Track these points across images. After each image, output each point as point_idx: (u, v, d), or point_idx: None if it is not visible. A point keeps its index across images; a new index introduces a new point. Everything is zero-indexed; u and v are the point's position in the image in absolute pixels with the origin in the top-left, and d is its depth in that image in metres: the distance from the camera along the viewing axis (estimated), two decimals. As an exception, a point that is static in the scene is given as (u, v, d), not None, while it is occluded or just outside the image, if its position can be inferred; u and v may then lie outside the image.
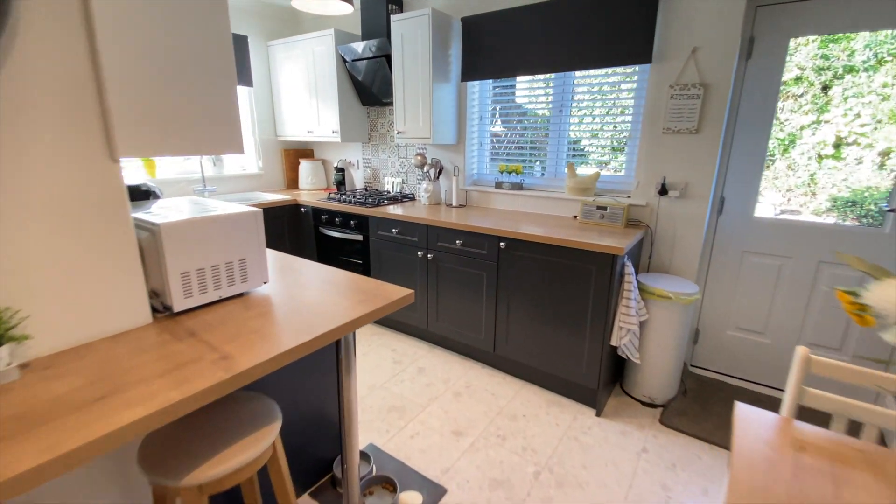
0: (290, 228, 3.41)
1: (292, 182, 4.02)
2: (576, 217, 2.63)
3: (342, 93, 3.29)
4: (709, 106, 2.15)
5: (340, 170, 3.58)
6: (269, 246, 3.24)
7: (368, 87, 3.27)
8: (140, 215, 1.20)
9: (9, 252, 0.90)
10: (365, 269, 3.06)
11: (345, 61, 3.22)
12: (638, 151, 2.40)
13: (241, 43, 3.42)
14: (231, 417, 1.13)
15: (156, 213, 1.24)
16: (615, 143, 2.56)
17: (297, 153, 4.02)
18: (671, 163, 2.30)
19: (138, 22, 1.01)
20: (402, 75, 2.87)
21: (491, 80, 2.92)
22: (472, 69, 2.85)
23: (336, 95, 3.27)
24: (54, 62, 0.91)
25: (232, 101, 1.20)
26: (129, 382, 0.87)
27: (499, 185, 2.95)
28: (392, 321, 3.10)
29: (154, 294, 1.20)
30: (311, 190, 3.88)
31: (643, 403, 2.31)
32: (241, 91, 3.59)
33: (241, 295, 1.34)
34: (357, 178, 3.85)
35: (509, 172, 2.91)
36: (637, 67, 2.36)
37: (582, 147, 2.69)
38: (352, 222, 3.04)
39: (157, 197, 1.61)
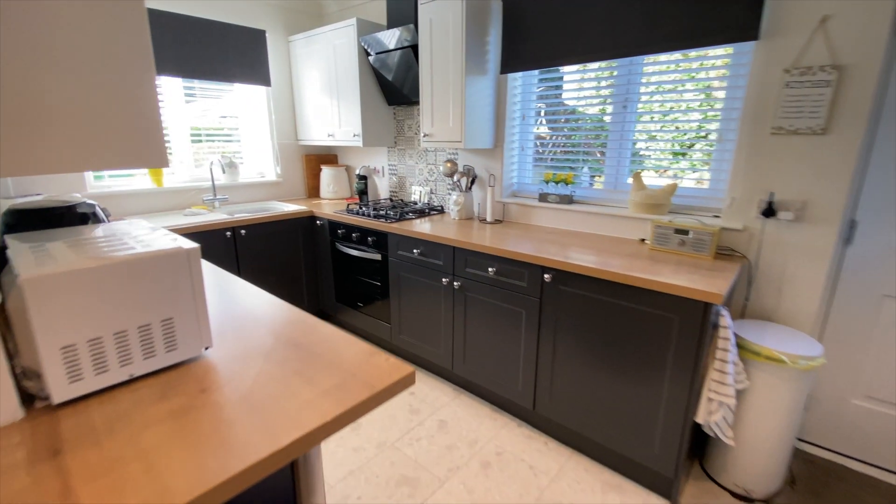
0: (306, 243, 3.05)
1: (314, 190, 3.69)
2: (644, 241, 2.08)
3: (364, 90, 2.90)
4: (844, 96, 1.55)
5: (363, 177, 3.20)
6: (282, 264, 2.90)
7: (394, 84, 2.86)
8: (20, 257, 0.82)
9: None
10: (384, 292, 2.64)
11: (368, 54, 2.83)
12: (733, 158, 1.82)
13: (257, 38, 3.11)
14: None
15: (41, 254, 0.85)
16: (695, 147, 1.98)
17: (320, 159, 3.69)
18: (783, 173, 1.71)
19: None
20: (429, 68, 2.43)
21: (537, 71, 2.42)
22: (515, 58, 2.36)
23: (357, 93, 2.89)
24: None
25: (146, 97, 0.80)
26: None
27: (543, 197, 2.44)
28: (410, 354, 2.66)
29: (31, 375, 0.81)
30: (332, 199, 3.52)
31: (735, 495, 1.73)
32: (259, 91, 3.29)
33: (170, 368, 0.93)
34: (382, 187, 3.45)
35: (557, 182, 2.40)
36: (733, 48, 1.79)
37: (645, 153, 2.13)
38: (369, 238, 2.63)
39: (97, 220, 1.25)
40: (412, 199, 3.19)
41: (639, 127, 2.12)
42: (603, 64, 2.16)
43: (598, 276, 1.65)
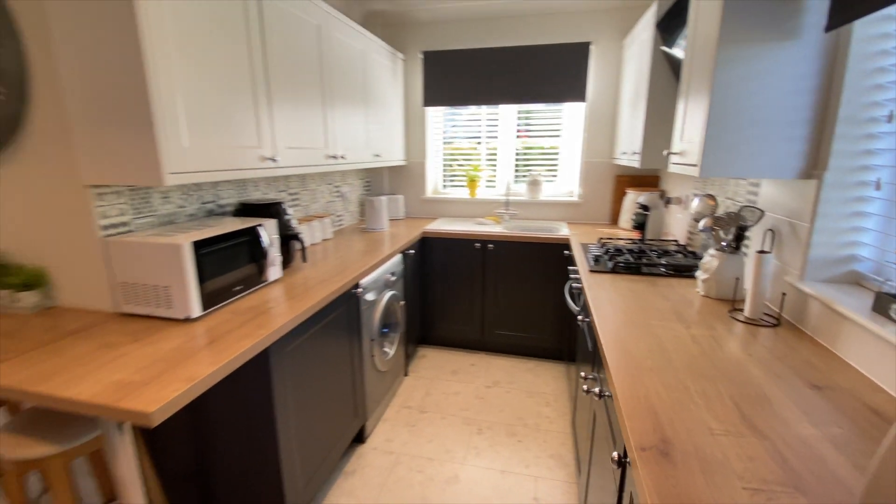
0: (547, 270, 2.74)
1: (618, 216, 3.16)
2: None
3: (654, 95, 2.16)
4: None
5: (645, 208, 2.44)
6: (520, 282, 2.80)
7: (691, 79, 1.95)
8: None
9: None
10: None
11: (666, 45, 2.07)
12: None
13: (580, 52, 2.95)
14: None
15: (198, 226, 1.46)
16: None
17: (633, 181, 3.08)
18: None
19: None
20: (692, 39, 1.52)
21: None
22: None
23: (644, 100, 2.20)
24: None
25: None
26: None
27: None
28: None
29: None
30: (624, 229, 2.90)
31: None
32: (580, 108, 3.13)
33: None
34: (674, 222, 2.47)
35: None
36: None
37: None
38: (575, 288, 2.05)
39: (280, 214, 1.84)
40: (683, 244, 2.11)
41: None
42: None
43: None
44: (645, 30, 2.25)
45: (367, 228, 2.90)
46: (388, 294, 2.25)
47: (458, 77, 3.14)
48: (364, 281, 1.96)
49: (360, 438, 2.10)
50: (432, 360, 2.94)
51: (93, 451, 1.44)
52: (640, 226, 2.47)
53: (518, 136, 3.29)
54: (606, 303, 1.48)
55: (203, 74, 1.35)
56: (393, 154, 3.11)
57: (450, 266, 2.91)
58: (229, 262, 1.48)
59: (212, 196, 1.83)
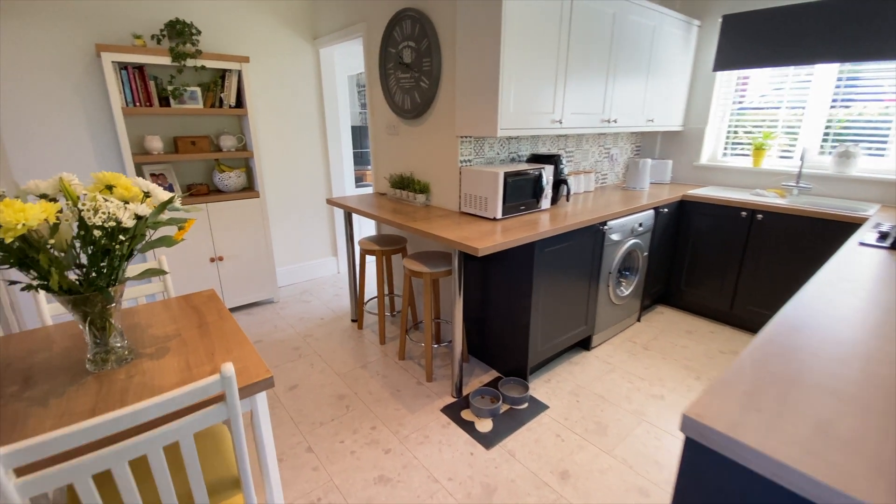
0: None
1: None
2: None
3: None
4: None
5: None
6: (804, 269, 2.58)
7: None
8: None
9: (425, 160, 2.55)
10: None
11: None
12: None
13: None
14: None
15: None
16: None
17: None
18: None
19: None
20: None
21: None
22: None
23: None
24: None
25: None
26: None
27: None
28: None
29: (468, 201, 2.44)
30: (984, 220, 2.19)
31: None
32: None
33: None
34: None
35: None
36: None
37: None
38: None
39: (556, 162, 2.51)
40: None
41: None
42: None
43: None
44: None
45: (627, 187, 3.26)
46: (632, 241, 2.64)
47: (761, 38, 2.94)
48: (612, 222, 2.44)
49: (585, 346, 2.68)
50: (668, 317, 3.13)
51: (433, 280, 2.58)
52: None
53: (833, 105, 2.82)
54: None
55: (525, 60, 2.10)
56: (669, 119, 3.27)
57: (706, 232, 2.96)
58: (520, 190, 2.27)
59: (515, 147, 2.67)
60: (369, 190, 4.68)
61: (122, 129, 2.53)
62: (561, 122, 2.38)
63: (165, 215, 1.17)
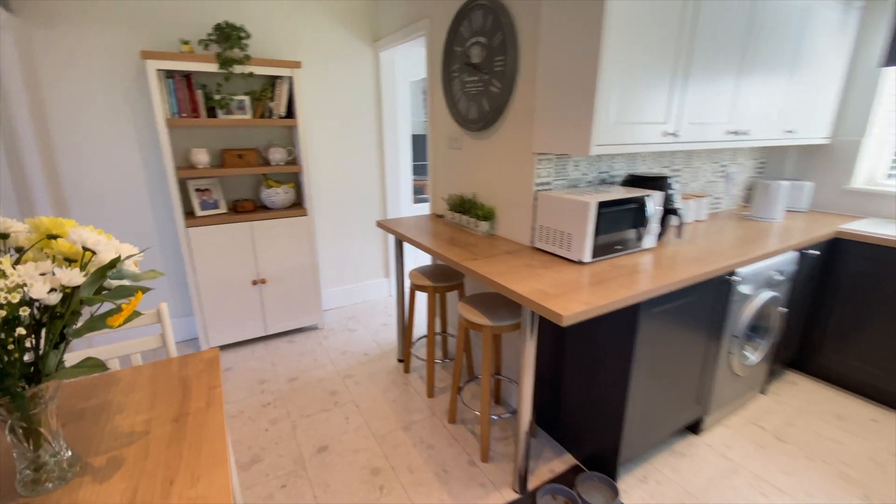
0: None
1: None
2: None
3: None
4: None
5: None
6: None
7: None
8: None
9: (489, 181, 2.07)
10: None
11: None
12: None
13: None
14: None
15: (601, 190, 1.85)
16: None
17: None
18: None
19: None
20: None
21: None
22: None
23: None
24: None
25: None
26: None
27: None
28: None
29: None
30: None
31: None
32: None
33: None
34: None
35: None
36: None
37: None
38: None
39: (665, 186, 1.92)
40: None
41: None
42: None
43: None
44: None
45: (751, 216, 2.54)
46: (768, 294, 1.96)
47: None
48: (742, 271, 1.80)
49: (694, 429, 2.03)
50: (804, 391, 2.36)
51: (495, 334, 2.09)
52: None
53: None
54: None
55: (633, 52, 1.55)
56: (812, 129, 2.51)
57: (871, 282, 2.17)
58: (617, 224, 1.71)
59: (607, 167, 2.11)
60: (427, 207, 4.29)
61: (165, 142, 2.34)
62: (676, 135, 1.79)
63: (116, 281, 0.82)
